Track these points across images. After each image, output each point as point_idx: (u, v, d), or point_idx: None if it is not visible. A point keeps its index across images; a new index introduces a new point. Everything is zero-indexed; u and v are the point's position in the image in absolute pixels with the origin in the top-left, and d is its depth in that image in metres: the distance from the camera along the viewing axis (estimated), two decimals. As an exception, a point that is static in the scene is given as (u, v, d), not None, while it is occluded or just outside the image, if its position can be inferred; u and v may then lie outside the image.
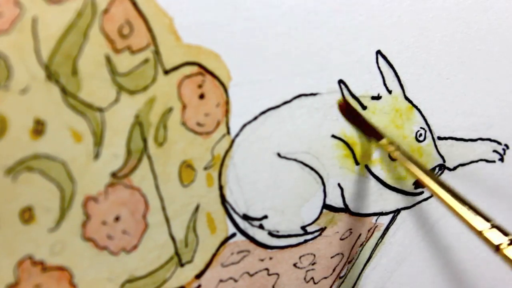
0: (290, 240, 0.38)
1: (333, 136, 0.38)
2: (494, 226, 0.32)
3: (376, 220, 0.41)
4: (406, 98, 0.40)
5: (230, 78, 0.34)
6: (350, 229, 0.40)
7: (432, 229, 0.44)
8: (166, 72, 0.32)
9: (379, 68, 0.39)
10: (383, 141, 0.38)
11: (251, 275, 0.37)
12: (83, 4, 0.29)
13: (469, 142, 0.44)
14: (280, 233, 0.38)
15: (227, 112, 0.34)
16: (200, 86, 0.33)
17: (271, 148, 0.36)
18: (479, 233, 0.32)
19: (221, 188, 0.35)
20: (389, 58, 0.39)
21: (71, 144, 0.30)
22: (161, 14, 0.31)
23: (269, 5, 0.34)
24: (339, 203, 0.39)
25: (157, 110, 0.32)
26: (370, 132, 0.39)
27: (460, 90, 0.42)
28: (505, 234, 0.32)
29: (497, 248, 0.32)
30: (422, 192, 0.42)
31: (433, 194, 0.36)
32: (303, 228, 0.38)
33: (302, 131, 0.37)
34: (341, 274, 0.41)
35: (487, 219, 0.33)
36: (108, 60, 0.30)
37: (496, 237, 0.32)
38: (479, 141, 0.44)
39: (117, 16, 0.30)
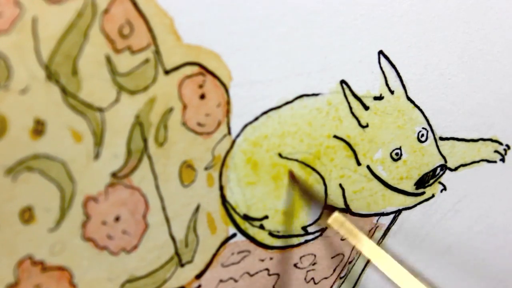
0: (291, 240, 0.38)
1: (335, 136, 0.38)
2: None
3: (377, 221, 0.41)
4: (408, 98, 0.40)
5: (231, 78, 0.34)
6: (351, 229, 0.40)
7: (433, 230, 0.44)
8: (167, 72, 0.32)
9: (381, 68, 0.39)
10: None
11: (252, 275, 0.37)
12: (83, 4, 0.29)
13: (471, 143, 0.44)
14: (280, 233, 0.38)
15: (228, 112, 0.34)
16: (200, 86, 0.33)
17: (272, 148, 0.36)
18: None
19: (221, 188, 0.35)
20: (391, 58, 0.39)
21: (71, 144, 0.30)
22: (162, 14, 0.31)
23: (270, 5, 0.34)
24: (340, 204, 0.39)
25: (157, 110, 0.32)
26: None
27: (462, 90, 0.42)
28: None
29: None
30: (423, 193, 0.42)
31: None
32: (303, 228, 0.38)
33: (303, 131, 0.37)
34: (342, 275, 0.41)
35: None
36: (109, 60, 0.30)
37: None
38: (480, 142, 0.44)
39: (117, 16, 0.30)
